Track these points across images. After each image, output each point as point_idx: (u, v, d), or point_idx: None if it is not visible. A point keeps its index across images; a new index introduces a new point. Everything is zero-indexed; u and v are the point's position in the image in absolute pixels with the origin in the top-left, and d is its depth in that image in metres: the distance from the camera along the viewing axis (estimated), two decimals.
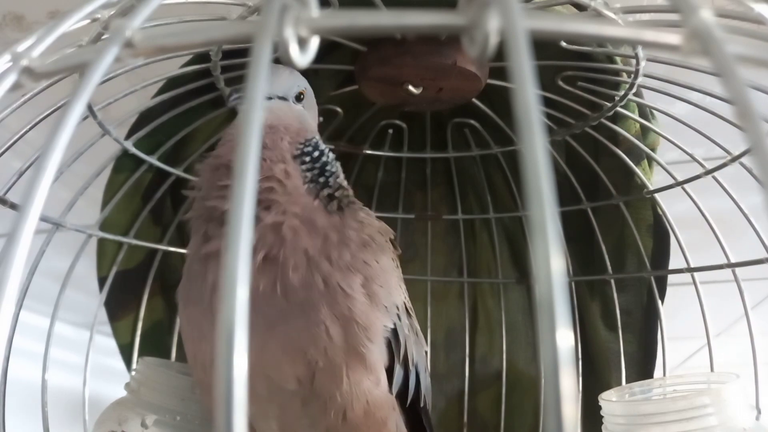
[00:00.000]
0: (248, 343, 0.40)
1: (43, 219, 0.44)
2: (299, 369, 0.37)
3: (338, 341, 0.37)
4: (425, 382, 0.46)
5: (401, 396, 0.42)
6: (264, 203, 0.38)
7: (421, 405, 0.45)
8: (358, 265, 0.39)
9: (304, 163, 0.41)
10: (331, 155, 0.43)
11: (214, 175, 0.40)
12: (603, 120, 0.51)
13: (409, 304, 0.44)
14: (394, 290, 0.41)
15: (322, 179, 0.41)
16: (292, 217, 0.38)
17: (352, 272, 0.39)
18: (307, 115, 0.45)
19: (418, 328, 0.46)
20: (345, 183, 0.43)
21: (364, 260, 0.40)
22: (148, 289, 0.57)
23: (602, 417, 0.45)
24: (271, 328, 0.37)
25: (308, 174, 0.40)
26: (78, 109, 0.16)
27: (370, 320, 0.38)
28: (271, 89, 0.41)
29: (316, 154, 0.42)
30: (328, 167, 0.42)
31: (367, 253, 0.40)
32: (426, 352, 0.48)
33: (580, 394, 0.57)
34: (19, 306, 0.44)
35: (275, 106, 0.41)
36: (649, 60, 0.43)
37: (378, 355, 0.39)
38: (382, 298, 0.40)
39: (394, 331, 0.40)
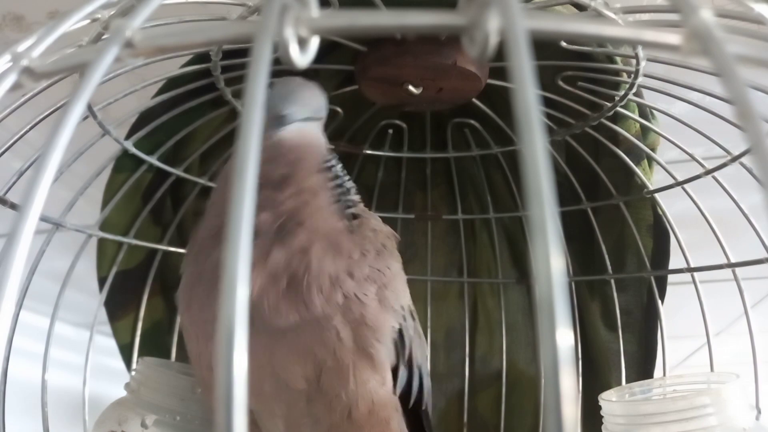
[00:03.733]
0: (257, 345, 0.40)
1: (43, 219, 0.44)
2: (308, 369, 0.38)
3: (347, 342, 0.38)
4: (427, 384, 0.46)
5: (404, 398, 0.43)
6: (295, 219, 0.37)
7: (423, 408, 0.45)
8: (374, 275, 0.40)
9: (333, 178, 0.41)
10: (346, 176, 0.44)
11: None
12: (603, 120, 0.51)
13: (412, 307, 0.44)
14: (402, 293, 0.42)
15: (348, 197, 0.42)
16: (320, 240, 0.38)
17: (368, 282, 0.39)
18: (321, 130, 0.45)
19: (421, 331, 0.46)
20: (356, 192, 0.44)
21: (379, 269, 0.40)
22: (148, 289, 0.57)
23: (602, 417, 0.45)
24: (282, 334, 0.37)
25: (337, 191, 0.41)
26: (78, 109, 0.16)
27: (379, 322, 0.39)
28: (307, 111, 0.41)
29: (339, 167, 0.42)
30: (349, 183, 0.43)
31: (381, 261, 0.41)
32: (427, 356, 0.48)
33: (580, 394, 0.57)
34: (19, 306, 0.44)
35: (310, 126, 0.42)
36: (649, 60, 0.43)
37: (385, 356, 0.39)
38: (392, 301, 0.40)
39: (400, 333, 0.41)
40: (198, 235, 0.41)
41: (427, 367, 0.47)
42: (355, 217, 0.41)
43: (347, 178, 0.43)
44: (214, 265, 0.38)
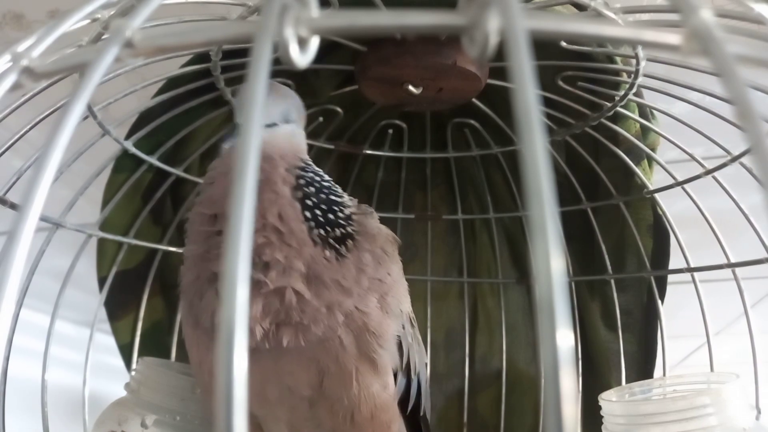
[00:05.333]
0: (261, 355, 0.39)
1: (43, 219, 0.44)
2: (311, 375, 0.38)
3: (350, 348, 0.38)
4: (425, 390, 0.46)
5: (402, 403, 0.43)
6: (262, 261, 0.35)
7: (421, 414, 0.45)
8: (374, 285, 0.39)
9: (306, 196, 0.38)
10: (327, 177, 0.41)
11: (211, 228, 0.37)
12: (603, 120, 0.51)
13: (412, 314, 0.44)
14: (402, 298, 0.42)
15: (330, 216, 0.38)
16: (296, 279, 0.36)
17: (370, 293, 0.38)
18: (297, 132, 0.42)
19: (419, 337, 0.46)
20: (347, 200, 0.41)
21: (379, 278, 0.39)
22: (148, 289, 0.57)
23: (602, 417, 0.45)
24: (288, 348, 0.37)
25: (312, 214, 0.37)
26: (78, 109, 0.16)
27: (382, 328, 0.39)
28: (276, 116, 0.38)
29: (318, 179, 0.39)
30: (333, 196, 0.39)
31: (381, 269, 0.40)
32: (426, 363, 0.48)
33: (580, 394, 0.57)
34: (19, 305, 0.44)
35: (275, 133, 0.39)
36: (649, 60, 0.43)
37: (388, 360, 0.39)
38: (393, 306, 0.40)
39: (398, 340, 0.41)
40: (192, 236, 0.40)
41: (425, 372, 0.46)
42: (343, 238, 0.38)
43: (329, 187, 0.40)
44: (212, 269, 0.38)
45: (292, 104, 0.41)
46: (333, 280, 0.37)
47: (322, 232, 0.37)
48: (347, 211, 0.40)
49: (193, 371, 0.42)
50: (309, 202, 0.38)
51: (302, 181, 0.38)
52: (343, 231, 0.39)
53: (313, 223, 0.37)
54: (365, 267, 0.39)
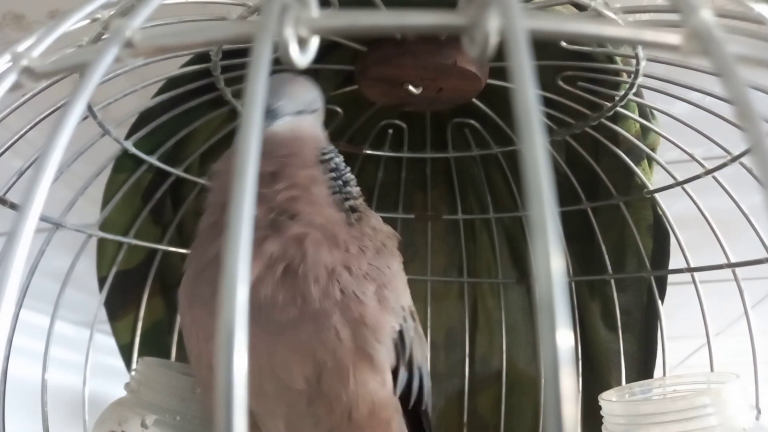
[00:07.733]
0: (258, 344, 0.40)
1: (43, 219, 0.44)
2: (308, 369, 0.38)
3: (347, 343, 0.38)
4: (427, 384, 0.46)
5: (404, 398, 0.43)
6: (288, 212, 0.38)
7: (423, 408, 0.45)
8: (373, 273, 0.40)
9: (330, 170, 0.41)
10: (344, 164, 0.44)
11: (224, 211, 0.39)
12: (603, 120, 0.51)
13: (413, 308, 0.44)
14: (402, 293, 0.42)
15: (347, 189, 0.42)
16: (316, 230, 0.38)
17: (367, 280, 0.39)
18: (318, 122, 0.45)
19: (421, 332, 0.46)
20: (356, 185, 0.44)
21: (378, 267, 0.40)
22: (148, 289, 0.57)
23: (602, 417, 0.45)
24: (281, 332, 0.37)
25: (334, 183, 0.41)
26: (78, 109, 0.16)
27: (379, 323, 0.39)
28: (298, 104, 0.41)
29: (338, 160, 0.42)
30: (348, 175, 0.43)
31: (380, 259, 0.41)
32: (427, 356, 0.48)
33: (580, 394, 0.57)
34: (19, 306, 0.44)
35: (303, 119, 0.42)
36: (649, 60, 0.43)
37: (385, 356, 0.39)
38: (392, 301, 0.40)
39: (400, 334, 0.41)
40: (198, 235, 0.41)
41: (427, 367, 0.47)
42: (353, 210, 0.41)
43: (347, 170, 0.43)
44: (214, 263, 0.38)
45: (317, 95, 0.44)
46: (343, 240, 0.39)
47: (340, 197, 0.41)
48: (357, 191, 0.43)
49: (192, 366, 0.42)
50: (331, 175, 0.41)
51: (326, 157, 0.42)
52: (353, 204, 0.42)
53: (334, 185, 0.41)
54: (365, 249, 0.40)
